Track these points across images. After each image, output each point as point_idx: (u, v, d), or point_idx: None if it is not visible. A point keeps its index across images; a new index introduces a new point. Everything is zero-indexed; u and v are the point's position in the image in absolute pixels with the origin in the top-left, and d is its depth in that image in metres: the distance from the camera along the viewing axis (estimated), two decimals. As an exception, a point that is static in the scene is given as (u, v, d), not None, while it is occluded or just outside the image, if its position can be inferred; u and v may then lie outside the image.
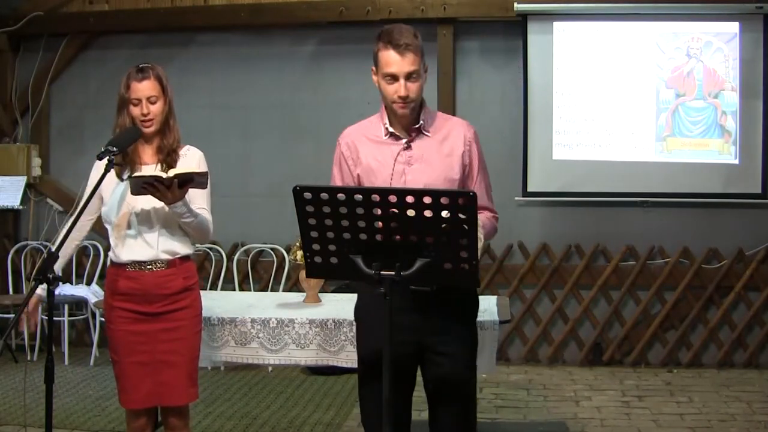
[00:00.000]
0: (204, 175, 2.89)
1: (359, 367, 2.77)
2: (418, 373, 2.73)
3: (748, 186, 5.66)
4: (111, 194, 3.00)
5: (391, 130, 2.68)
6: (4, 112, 6.32)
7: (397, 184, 2.60)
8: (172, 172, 2.82)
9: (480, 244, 2.45)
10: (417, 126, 2.67)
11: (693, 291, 5.79)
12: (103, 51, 6.30)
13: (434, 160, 2.65)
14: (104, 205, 3.03)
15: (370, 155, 2.68)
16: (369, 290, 2.55)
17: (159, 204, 2.90)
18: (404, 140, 2.67)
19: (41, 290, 3.02)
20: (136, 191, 2.83)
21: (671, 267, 5.77)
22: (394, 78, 2.60)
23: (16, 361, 5.76)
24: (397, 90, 2.60)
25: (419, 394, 2.73)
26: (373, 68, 2.67)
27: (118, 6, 6.18)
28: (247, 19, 5.98)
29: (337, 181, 2.75)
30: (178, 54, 6.13)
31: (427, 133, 2.68)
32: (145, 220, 2.98)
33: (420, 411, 2.83)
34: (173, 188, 2.80)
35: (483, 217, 2.63)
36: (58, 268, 3.00)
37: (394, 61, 2.58)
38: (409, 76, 2.59)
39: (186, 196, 2.89)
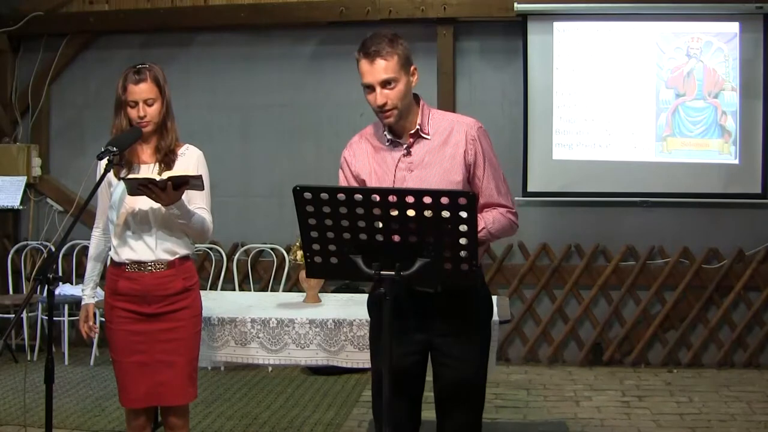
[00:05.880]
0: (199, 177, 2.87)
1: (372, 368, 2.74)
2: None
3: (748, 186, 5.65)
4: (113, 194, 3.01)
5: (389, 136, 2.62)
6: (4, 112, 6.32)
7: None
8: (166, 174, 2.81)
9: (485, 234, 2.44)
10: (414, 131, 2.60)
11: (693, 291, 5.79)
12: (103, 51, 6.30)
13: (435, 165, 2.58)
14: (109, 205, 3.04)
15: (374, 162, 2.63)
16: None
17: (156, 205, 2.91)
18: (404, 146, 2.61)
19: (89, 299, 3.08)
20: (132, 192, 2.84)
21: (671, 267, 5.77)
22: (370, 88, 2.54)
23: (16, 361, 5.76)
24: (374, 100, 2.53)
25: (429, 394, 2.72)
26: None
27: (118, 6, 6.18)
28: (247, 19, 5.98)
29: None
30: (178, 54, 6.12)
31: (426, 136, 2.60)
32: (143, 220, 2.98)
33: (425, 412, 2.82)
34: (168, 190, 2.80)
35: (495, 213, 2.61)
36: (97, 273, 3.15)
37: (365, 70, 2.53)
38: (384, 84, 2.52)
39: (184, 196, 2.89)
